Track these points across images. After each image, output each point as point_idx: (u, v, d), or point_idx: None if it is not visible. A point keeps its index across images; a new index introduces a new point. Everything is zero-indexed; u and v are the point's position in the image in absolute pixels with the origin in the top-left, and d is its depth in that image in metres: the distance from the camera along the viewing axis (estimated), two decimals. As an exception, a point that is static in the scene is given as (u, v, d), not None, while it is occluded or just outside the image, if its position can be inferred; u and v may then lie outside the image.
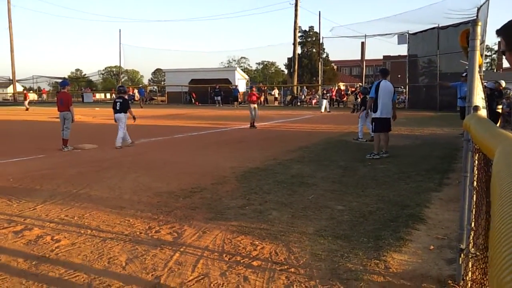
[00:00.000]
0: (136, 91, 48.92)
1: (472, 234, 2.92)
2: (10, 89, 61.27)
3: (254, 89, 18.54)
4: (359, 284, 3.20)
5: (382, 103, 9.22)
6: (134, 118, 11.27)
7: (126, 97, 11.74)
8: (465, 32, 3.05)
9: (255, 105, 16.60)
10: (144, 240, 4.15)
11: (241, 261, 3.66)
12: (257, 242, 4.07)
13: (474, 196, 2.87)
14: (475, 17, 22.20)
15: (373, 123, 9.58)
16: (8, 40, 49.99)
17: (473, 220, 2.93)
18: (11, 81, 55.49)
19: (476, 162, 2.86)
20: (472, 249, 2.92)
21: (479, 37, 2.85)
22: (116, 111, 10.94)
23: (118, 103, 11.00)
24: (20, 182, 6.66)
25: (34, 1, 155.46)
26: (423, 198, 5.66)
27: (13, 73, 51.95)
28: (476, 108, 2.85)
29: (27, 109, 31.45)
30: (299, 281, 3.26)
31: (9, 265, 3.54)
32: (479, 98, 3.32)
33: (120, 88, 12.09)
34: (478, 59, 2.97)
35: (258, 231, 4.39)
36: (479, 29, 2.84)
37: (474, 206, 2.91)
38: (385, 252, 3.79)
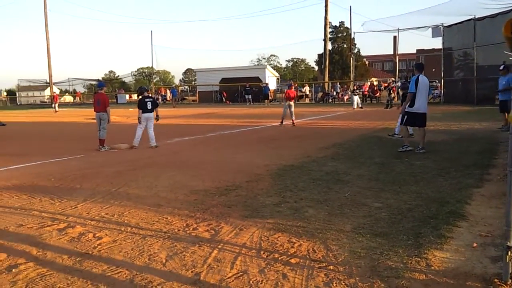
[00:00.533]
0: (168, 91, 49.66)
1: (520, 231, 2.83)
2: (47, 92, 63.31)
3: (293, 86, 18.08)
4: (400, 282, 3.14)
5: (421, 98, 9.15)
6: (158, 118, 11.39)
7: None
8: (510, 22, 2.94)
9: (292, 103, 16.51)
10: (182, 237, 4.20)
11: (279, 258, 3.65)
12: (294, 240, 4.06)
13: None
14: (514, 7, 21.45)
15: (405, 116, 9.39)
16: (45, 44, 51.57)
17: (521, 216, 2.83)
18: (48, 84, 57.28)
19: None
20: (520, 246, 2.82)
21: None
22: (148, 111, 11.03)
23: (149, 103, 11.08)
24: (61, 182, 6.87)
25: (68, 6, 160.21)
26: (463, 195, 5.50)
27: (50, 76, 53.54)
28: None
29: (56, 111, 32.43)
30: (339, 279, 3.23)
31: (54, 261, 3.66)
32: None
33: (142, 88, 12.14)
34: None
35: (295, 228, 4.38)
36: (525, 18, 2.73)
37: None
38: (426, 250, 3.70)
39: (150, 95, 11.65)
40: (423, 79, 9.25)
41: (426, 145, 9.25)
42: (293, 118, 16.28)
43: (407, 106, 9.31)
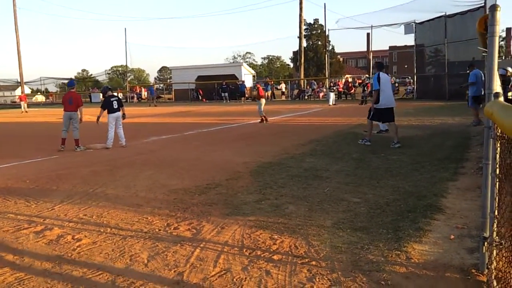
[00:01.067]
0: (143, 89, 49.02)
1: (496, 223, 2.91)
2: (18, 92, 61.71)
3: (258, 85, 18.50)
4: (381, 275, 3.20)
5: (385, 93, 9.65)
6: (124, 116, 11.23)
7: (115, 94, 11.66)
8: (483, 18, 3.02)
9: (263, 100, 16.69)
10: (163, 237, 4.17)
11: (262, 255, 3.67)
12: (276, 236, 4.08)
13: (497, 184, 2.85)
14: (483, 4, 21.99)
15: (372, 112, 9.83)
16: (15, 43, 50.22)
17: (496, 208, 2.91)
18: (19, 84, 55.83)
19: (499, 149, 2.84)
20: (496, 237, 2.90)
21: (498, 23, 2.82)
22: (114, 110, 10.85)
23: (115, 102, 10.94)
24: (37, 183, 6.72)
25: (38, 3, 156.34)
26: (439, 188, 5.63)
27: (21, 75, 52.12)
28: (497, 94, 2.82)
29: (26, 111, 31.70)
30: (321, 274, 3.27)
31: (32, 265, 3.58)
32: (497, 85, 3.29)
33: (106, 88, 11.98)
34: (497, 45, 2.94)
35: (276, 225, 4.40)
36: (498, 14, 2.81)
37: (497, 194, 2.89)
38: (406, 243, 3.77)
39: (115, 94, 11.39)
40: (383, 76, 9.79)
41: (402, 140, 9.42)
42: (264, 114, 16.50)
43: (372, 103, 9.83)
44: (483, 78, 12.36)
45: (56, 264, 3.57)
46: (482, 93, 12.17)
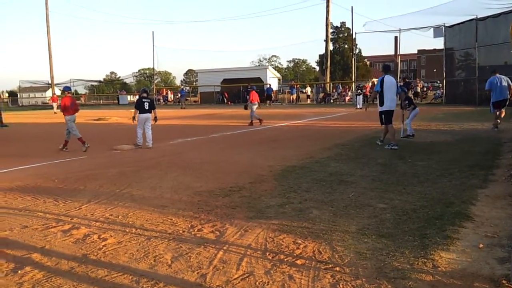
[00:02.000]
0: (169, 92, 49.56)
1: (528, 232, 2.81)
2: (49, 93, 63.37)
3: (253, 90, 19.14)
4: (407, 283, 3.13)
5: (388, 96, 9.91)
6: (156, 119, 11.46)
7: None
8: (517, 22, 2.92)
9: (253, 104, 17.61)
10: (187, 238, 4.20)
11: (285, 259, 3.64)
12: (299, 241, 4.05)
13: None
14: (516, 7, 21.41)
15: (383, 116, 10.10)
16: (47, 45, 51.61)
17: (528, 217, 2.82)
18: (49, 85, 57.31)
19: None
20: (528, 247, 2.81)
21: (533, 27, 2.73)
22: (145, 111, 11.15)
23: (146, 103, 11.22)
24: (65, 183, 6.87)
25: (70, 7, 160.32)
26: (468, 195, 5.49)
27: (52, 77, 53.55)
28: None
29: (55, 113, 32.40)
30: (345, 280, 3.22)
31: (60, 263, 3.65)
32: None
33: (146, 89, 12.28)
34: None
35: (300, 229, 4.37)
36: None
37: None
38: (432, 251, 3.69)
39: (148, 96, 11.66)
40: (389, 79, 10.02)
41: (430, 145, 9.28)
42: (256, 116, 17.41)
43: (378, 106, 10.16)
44: (501, 84, 12.59)
45: (82, 263, 3.64)
46: (500, 98, 12.59)
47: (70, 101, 11.23)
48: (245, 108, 18.49)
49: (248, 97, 18.42)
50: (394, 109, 10.15)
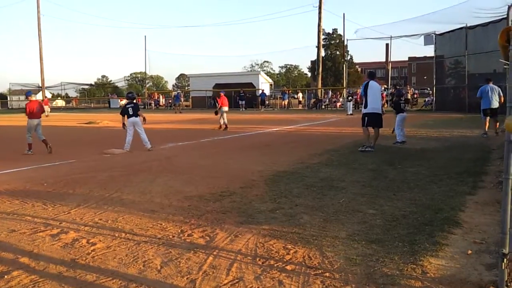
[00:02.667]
0: (161, 96, 49.40)
1: (515, 239, 2.84)
2: (39, 96, 62.93)
3: (221, 94, 19.68)
4: (396, 289, 3.14)
5: (372, 99, 10.45)
6: (144, 119, 11.62)
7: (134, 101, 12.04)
8: (505, 30, 2.97)
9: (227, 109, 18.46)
10: (177, 243, 4.18)
11: (275, 265, 3.64)
12: (289, 246, 4.04)
13: (517, 199, 2.79)
14: (505, 16, 21.68)
15: (365, 118, 10.53)
16: (38, 48, 51.30)
17: (516, 224, 2.85)
18: (40, 88, 56.93)
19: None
20: (516, 254, 2.83)
21: (521, 36, 2.77)
22: (130, 116, 11.28)
23: (130, 109, 11.35)
24: (54, 187, 6.81)
25: (62, 10, 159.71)
26: (457, 202, 5.53)
27: (42, 80, 53.25)
28: (518, 108, 2.77)
29: (46, 116, 32.15)
30: (335, 286, 3.22)
31: (47, 268, 3.61)
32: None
33: (129, 94, 12.37)
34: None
35: (290, 235, 4.37)
36: (521, 27, 2.76)
37: (517, 210, 2.82)
38: (422, 257, 3.70)
39: (133, 101, 11.75)
40: (373, 84, 10.54)
41: (419, 152, 9.35)
42: (225, 122, 17.97)
43: (362, 108, 10.81)
44: (492, 93, 13.13)
45: (70, 268, 3.60)
46: (489, 106, 13.14)
47: (37, 105, 11.50)
48: (216, 113, 18.78)
49: (217, 103, 19.08)
50: (380, 113, 10.55)
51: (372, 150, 10.19)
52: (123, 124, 11.46)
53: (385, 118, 10.91)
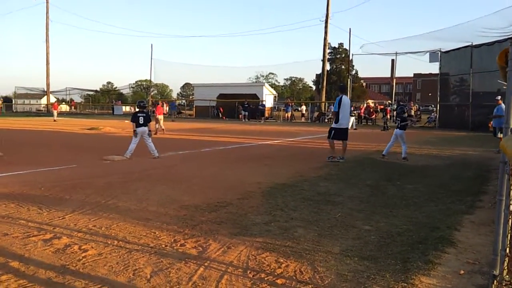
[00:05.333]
0: (165, 104, 49.58)
1: (507, 260, 2.81)
2: (44, 100, 63.25)
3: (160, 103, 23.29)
4: (386, 308, 3.11)
5: (343, 115, 11.08)
6: (149, 133, 11.55)
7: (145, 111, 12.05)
8: (504, 51, 2.97)
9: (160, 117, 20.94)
10: (169, 253, 4.16)
11: (265, 278, 3.61)
12: (281, 260, 4.02)
13: (510, 221, 2.77)
14: (511, 35, 21.74)
15: (332, 131, 11.21)
16: (45, 53, 51.75)
17: (508, 245, 2.82)
18: (45, 93, 57.28)
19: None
20: (507, 276, 2.81)
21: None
22: (140, 125, 11.22)
23: (141, 118, 11.32)
24: (51, 191, 6.81)
25: (70, 16, 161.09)
26: (453, 221, 5.49)
27: (48, 85, 53.69)
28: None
29: (54, 120, 32.24)
30: (324, 302, 3.19)
31: (37, 273, 3.60)
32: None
33: (140, 103, 12.33)
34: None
35: (283, 248, 4.34)
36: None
37: (510, 231, 2.80)
38: (413, 275, 3.67)
39: (144, 110, 11.77)
40: (345, 99, 11.09)
41: (420, 169, 9.32)
42: (162, 127, 20.47)
43: (333, 122, 11.34)
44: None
45: (60, 274, 3.58)
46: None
47: None
48: (156, 121, 20.71)
49: (154, 111, 22.02)
50: (347, 127, 11.34)
51: (342, 160, 10.91)
52: (135, 131, 11.32)
53: (386, 134, 10.91)
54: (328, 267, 3.85)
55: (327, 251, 4.29)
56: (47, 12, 50.49)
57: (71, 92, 63.77)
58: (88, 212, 5.56)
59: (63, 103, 63.20)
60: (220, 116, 43.16)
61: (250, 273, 3.72)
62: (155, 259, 3.99)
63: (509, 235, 2.77)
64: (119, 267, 3.77)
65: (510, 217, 2.80)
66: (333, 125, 11.27)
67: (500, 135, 13.26)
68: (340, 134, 11.17)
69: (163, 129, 20.42)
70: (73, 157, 11.23)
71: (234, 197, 6.62)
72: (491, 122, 15.30)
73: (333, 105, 11.47)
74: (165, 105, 49.34)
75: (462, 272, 3.79)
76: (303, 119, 41.65)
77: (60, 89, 63.18)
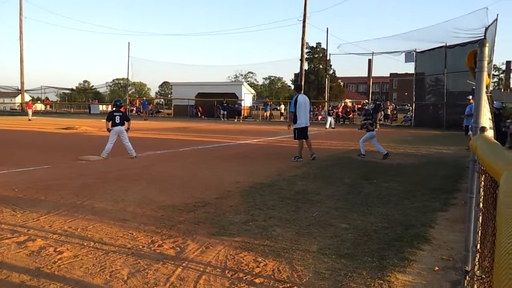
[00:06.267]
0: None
1: (478, 256, 2.88)
2: (18, 99, 61.84)
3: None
4: (362, 305, 3.16)
5: (301, 114, 11.08)
6: (127, 129, 11.50)
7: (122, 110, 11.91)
8: (472, 53, 3.05)
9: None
10: (146, 254, 4.13)
11: (244, 278, 3.62)
12: (260, 259, 4.04)
13: (480, 217, 2.84)
14: (483, 37, 22.28)
15: (296, 132, 11.20)
16: (18, 51, 50.59)
17: (479, 242, 2.89)
18: (19, 91, 56.02)
19: (483, 183, 2.83)
20: (478, 271, 2.87)
21: (486, 58, 2.85)
22: (116, 124, 11.06)
23: (117, 117, 11.17)
24: (25, 192, 6.67)
25: (45, 13, 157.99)
26: (428, 218, 5.61)
27: (22, 83, 52.47)
28: (483, 129, 2.83)
29: (29, 120, 31.52)
30: (302, 300, 3.22)
31: (10, 276, 3.52)
32: (486, 118, 3.31)
33: (117, 102, 12.20)
34: (485, 79, 2.96)
35: (262, 247, 4.36)
36: (486, 50, 2.84)
37: (480, 228, 2.87)
38: (389, 272, 3.74)
39: (121, 110, 11.61)
40: (302, 98, 11.22)
41: (396, 167, 9.48)
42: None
43: (292, 123, 11.19)
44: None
45: (34, 277, 3.52)
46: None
47: None
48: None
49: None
50: (308, 126, 11.31)
51: (301, 159, 10.94)
52: (109, 129, 11.20)
53: (360, 133, 11.06)
54: (306, 266, 3.88)
55: (305, 249, 4.32)
56: (20, 9, 49.33)
57: (46, 91, 62.55)
58: (64, 213, 5.47)
59: (38, 101, 61.95)
60: (199, 115, 42.98)
61: (228, 272, 3.72)
62: (132, 260, 3.95)
63: (479, 231, 2.84)
64: (96, 269, 3.72)
65: (480, 213, 2.87)
66: (295, 126, 11.23)
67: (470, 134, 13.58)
68: (304, 132, 11.22)
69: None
70: (48, 157, 11.01)
71: (212, 196, 6.61)
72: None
73: (289, 106, 11.31)
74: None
75: (436, 268, 3.88)
76: (282, 118, 41.81)
77: (35, 88, 61.91)
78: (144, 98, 60.67)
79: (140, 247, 4.32)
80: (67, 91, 77.87)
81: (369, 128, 12.05)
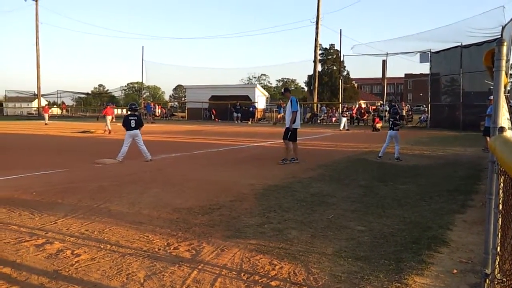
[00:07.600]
0: (157, 106, 49.33)
1: (498, 259, 2.84)
2: (35, 104, 62.81)
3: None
4: (379, 308, 3.12)
5: (298, 116, 11.09)
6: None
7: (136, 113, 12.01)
8: (490, 52, 3.00)
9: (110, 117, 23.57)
10: (162, 256, 4.14)
11: (259, 280, 3.61)
12: (275, 262, 4.02)
13: (500, 219, 2.79)
14: (500, 36, 21.94)
15: (290, 133, 11.01)
16: (35, 56, 51.40)
17: (499, 244, 2.85)
18: (36, 96, 56.87)
19: (502, 184, 2.79)
20: (498, 274, 2.83)
21: (504, 57, 2.80)
22: (131, 128, 11.18)
23: (133, 121, 11.29)
24: (43, 196, 6.76)
25: (60, 19, 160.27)
26: (445, 220, 5.53)
27: (38, 88, 53.28)
28: (502, 129, 2.79)
29: (46, 124, 31.94)
30: (318, 303, 3.20)
31: (29, 278, 3.57)
32: (504, 118, 3.26)
33: (132, 105, 12.33)
34: (503, 79, 2.92)
35: (277, 250, 4.35)
36: (504, 49, 2.80)
37: (500, 230, 2.83)
38: (407, 275, 3.69)
39: (134, 113, 11.73)
40: (297, 99, 11.17)
41: (412, 169, 9.38)
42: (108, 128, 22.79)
43: (290, 123, 10.94)
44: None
45: (52, 279, 3.56)
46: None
47: None
48: (97, 118, 22.87)
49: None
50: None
51: (297, 161, 10.92)
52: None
53: (378, 134, 10.95)
54: (322, 268, 3.86)
55: (320, 252, 4.30)
56: (36, 14, 50.18)
57: (62, 95, 63.47)
58: (81, 217, 5.53)
59: (54, 106, 62.83)
60: (213, 118, 43.10)
61: (244, 275, 3.72)
62: (148, 263, 3.97)
63: (499, 233, 2.80)
64: (112, 271, 3.75)
65: (500, 215, 2.82)
66: (293, 126, 10.99)
67: None
68: (295, 135, 11.17)
69: (109, 130, 22.59)
70: (64, 160, 11.15)
71: (227, 199, 6.62)
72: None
73: (291, 106, 10.92)
74: (157, 107, 49.28)
75: (455, 271, 3.82)
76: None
77: (51, 92, 62.88)
78: (149, 101, 60.82)
79: (156, 249, 4.34)
80: (83, 95, 78.84)
81: (394, 127, 11.92)
